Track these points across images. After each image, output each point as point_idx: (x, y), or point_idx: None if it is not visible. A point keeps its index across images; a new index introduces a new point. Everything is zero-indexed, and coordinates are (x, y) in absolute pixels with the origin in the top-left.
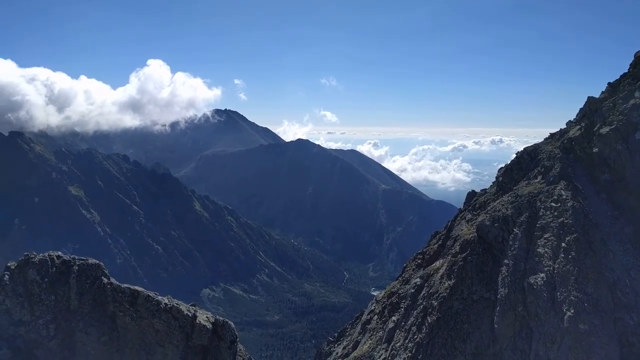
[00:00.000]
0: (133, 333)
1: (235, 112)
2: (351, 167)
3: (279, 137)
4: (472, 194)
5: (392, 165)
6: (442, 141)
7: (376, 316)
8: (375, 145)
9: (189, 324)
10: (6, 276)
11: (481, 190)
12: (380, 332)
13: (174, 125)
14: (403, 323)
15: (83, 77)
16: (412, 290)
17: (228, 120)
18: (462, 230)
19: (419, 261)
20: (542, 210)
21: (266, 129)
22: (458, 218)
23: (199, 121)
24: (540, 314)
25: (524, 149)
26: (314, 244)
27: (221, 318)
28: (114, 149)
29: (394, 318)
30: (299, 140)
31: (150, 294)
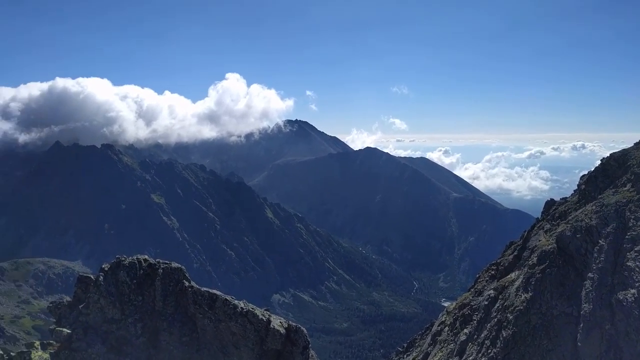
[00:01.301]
0: (211, 335)
1: (306, 122)
2: (421, 175)
3: (348, 146)
4: (550, 203)
5: (464, 172)
6: (518, 147)
7: (447, 328)
8: (445, 152)
9: (263, 328)
10: (101, 277)
11: (561, 199)
12: (452, 345)
13: (248, 136)
14: (476, 336)
15: (167, 92)
16: (486, 302)
17: (299, 130)
18: (539, 240)
19: (493, 272)
20: (632, 220)
21: (335, 138)
22: (535, 228)
23: (271, 131)
24: (631, 332)
25: (611, 154)
26: (382, 253)
27: (294, 323)
28: (192, 159)
29: (466, 330)
30: (368, 148)
31: (227, 298)
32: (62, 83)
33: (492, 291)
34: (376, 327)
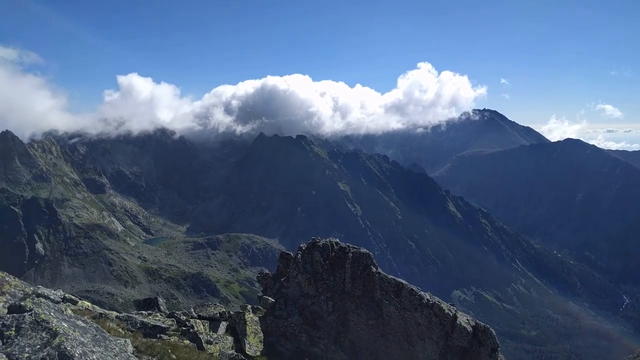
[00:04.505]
0: (396, 322)
1: (495, 112)
2: (638, 172)
3: (543, 137)
4: None
5: None
6: None
7: None
8: None
9: (449, 323)
10: (299, 255)
11: None
12: None
13: (434, 127)
14: None
15: (358, 86)
16: None
17: (488, 120)
18: None
19: None
20: None
21: (528, 128)
22: None
23: (458, 121)
24: None
25: None
26: (582, 259)
27: (482, 323)
28: (375, 150)
29: None
30: (568, 139)
31: (413, 288)
32: (272, 81)
33: None
34: (572, 342)
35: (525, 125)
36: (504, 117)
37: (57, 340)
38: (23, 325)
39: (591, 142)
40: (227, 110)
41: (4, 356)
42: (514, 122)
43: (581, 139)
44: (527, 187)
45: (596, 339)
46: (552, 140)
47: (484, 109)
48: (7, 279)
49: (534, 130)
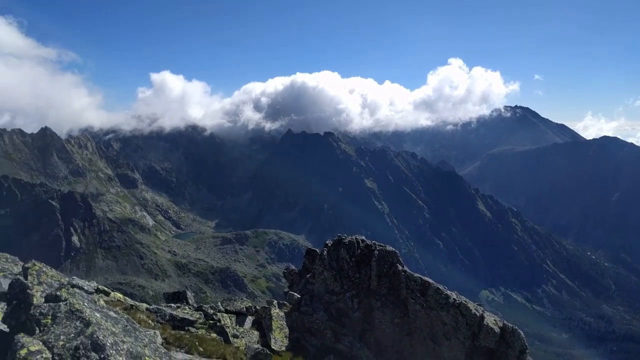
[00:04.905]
0: (422, 321)
1: (527, 108)
2: None
3: (578, 135)
4: None
5: None
6: None
7: None
8: None
9: (476, 324)
10: (325, 251)
11: None
12: None
13: (464, 125)
14: None
15: (387, 82)
16: None
17: (519, 116)
18: None
19: None
20: None
21: (562, 125)
22: None
23: (489, 117)
24: None
25: None
26: (618, 261)
27: (510, 324)
28: (403, 147)
29: None
30: (605, 137)
31: (439, 287)
32: (301, 78)
33: None
34: (606, 346)
35: (559, 122)
36: (536, 114)
37: (90, 330)
38: (58, 315)
39: (629, 140)
40: (257, 107)
41: (41, 343)
42: (547, 119)
43: (618, 136)
44: (560, 186)
45: (631, 343)
46: (588, 138)
47: (516, 106)
48: (44, 269)
49: (569, 128)
